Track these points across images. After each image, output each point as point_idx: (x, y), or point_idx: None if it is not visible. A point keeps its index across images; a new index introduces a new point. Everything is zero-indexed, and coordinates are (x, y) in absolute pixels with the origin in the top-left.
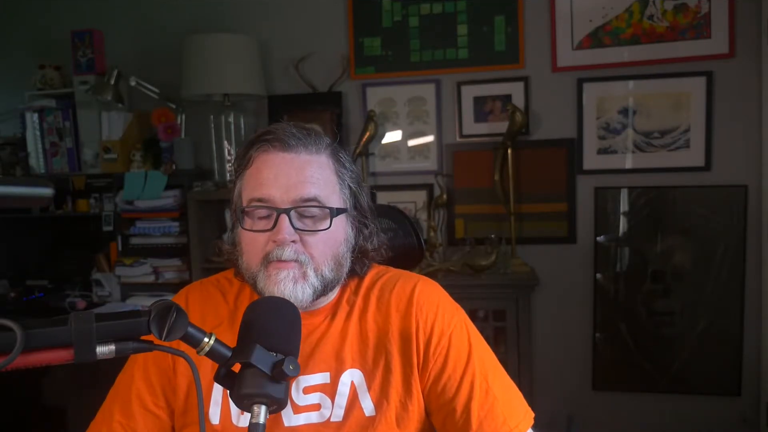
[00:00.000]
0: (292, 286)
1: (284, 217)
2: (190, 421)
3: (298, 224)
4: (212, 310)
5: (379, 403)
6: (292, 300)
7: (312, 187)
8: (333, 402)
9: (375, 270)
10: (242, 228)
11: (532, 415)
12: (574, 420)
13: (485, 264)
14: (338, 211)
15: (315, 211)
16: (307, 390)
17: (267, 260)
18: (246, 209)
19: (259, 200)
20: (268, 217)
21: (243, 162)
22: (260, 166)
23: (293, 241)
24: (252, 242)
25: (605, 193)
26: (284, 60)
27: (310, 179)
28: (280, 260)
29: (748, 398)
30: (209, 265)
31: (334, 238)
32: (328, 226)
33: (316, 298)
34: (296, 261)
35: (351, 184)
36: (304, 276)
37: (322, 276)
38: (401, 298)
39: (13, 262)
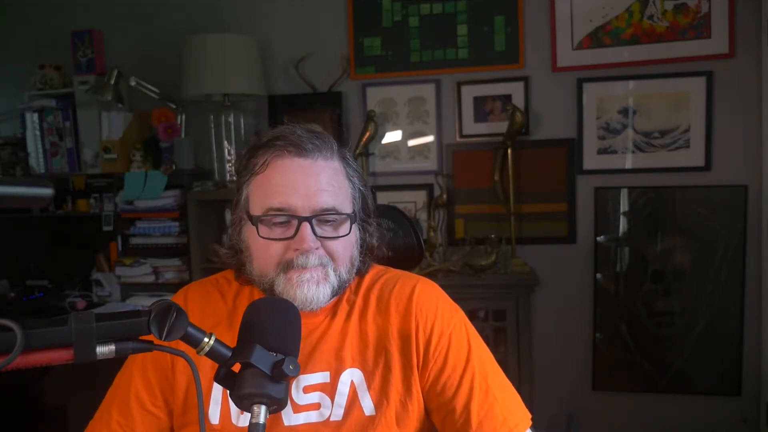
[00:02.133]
0: (315, 288)
1: (306, 225)
2: (189, 420)
3: (319, 231)
4: (211, 310)
5: (379, 402)
6: (313, 302)
7: (330, 196)
8: (333, 401)
9: (375, 270)
10: (260, 236)
11: (530, 416)
12: (574, 420)
13: (485, 264)
14: (356, 217)
15: (334, 217)
16: (306, 389)
17: (287, 267)
18: (262, 217)
19: (279, 209)
20: (286, 224)
21: (251, 165)
22: (274, 172)
23: (316, 248)
24: (267, 249)
25: (605, 193)
26: (284, 60)
27: (327, 187)
28: (305, 268)
29: (748, 398)
30: (209, 265)
31: (351, 241)
32: (348, 231)
33: (331, 298)
34: (321, 265)
35: (360, 187)
36: (326, 277)
37: (340, 277)
38: (401, 299)
39: (13, 262)
